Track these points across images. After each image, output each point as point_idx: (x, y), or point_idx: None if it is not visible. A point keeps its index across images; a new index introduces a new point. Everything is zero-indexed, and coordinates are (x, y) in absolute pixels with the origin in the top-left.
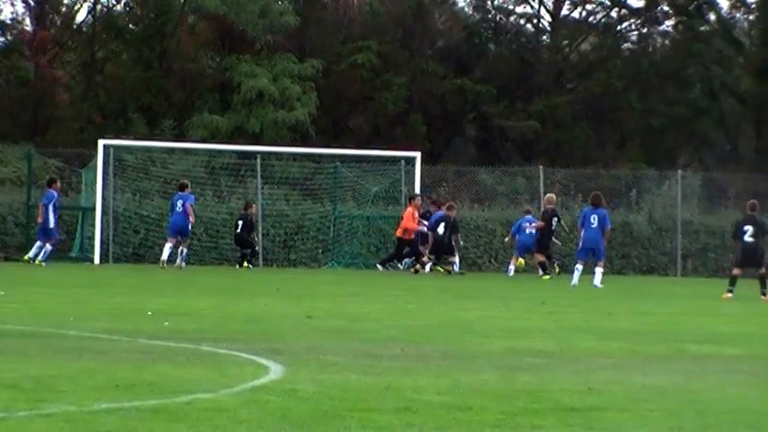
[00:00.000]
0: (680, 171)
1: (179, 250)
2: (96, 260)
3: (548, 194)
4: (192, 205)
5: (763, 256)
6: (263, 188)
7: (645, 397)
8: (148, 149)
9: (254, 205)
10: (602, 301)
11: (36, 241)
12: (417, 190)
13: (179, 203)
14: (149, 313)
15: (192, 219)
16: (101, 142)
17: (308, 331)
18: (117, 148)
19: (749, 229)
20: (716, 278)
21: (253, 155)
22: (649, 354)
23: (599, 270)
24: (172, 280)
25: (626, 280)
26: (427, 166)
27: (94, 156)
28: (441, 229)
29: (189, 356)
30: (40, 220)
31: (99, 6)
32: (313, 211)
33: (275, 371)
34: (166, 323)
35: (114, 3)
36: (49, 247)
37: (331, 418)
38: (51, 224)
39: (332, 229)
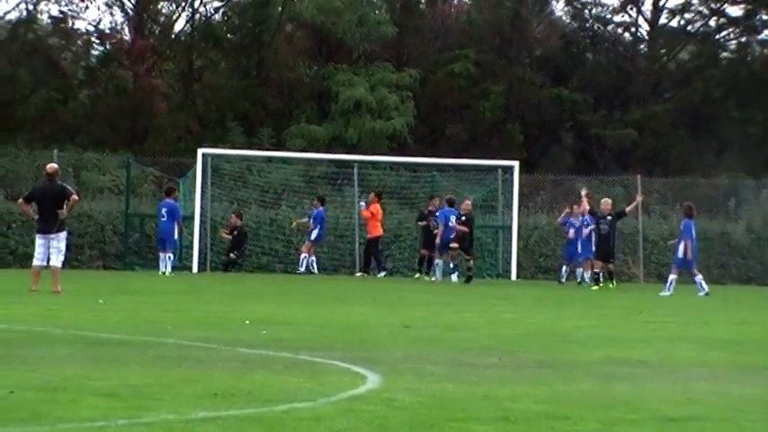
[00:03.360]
0: None
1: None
2: (194, 269)
3: (605, 199)
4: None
5: None
6: (360, 197)
7: (744, 407)
8: (246, 158)
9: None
10: (700, 311)
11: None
12: (515, 198)
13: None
14: (247, 322)
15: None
16: (200, 151)
17: (405, 340)
18: (215, 156)
19: None
20: None
21: (350, 164)
22: (748, 364)
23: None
24: (268, 288)
25: (724, 290)
26: (524, 175)
27: (192, 164)
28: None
29: (286, 365)
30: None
31: (197, 16)
32: (410, 220)
33: (372, 380)
34: (264, 332)
35: (212, 12)
36: (171, 256)
37: (428, 428)
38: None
39: None
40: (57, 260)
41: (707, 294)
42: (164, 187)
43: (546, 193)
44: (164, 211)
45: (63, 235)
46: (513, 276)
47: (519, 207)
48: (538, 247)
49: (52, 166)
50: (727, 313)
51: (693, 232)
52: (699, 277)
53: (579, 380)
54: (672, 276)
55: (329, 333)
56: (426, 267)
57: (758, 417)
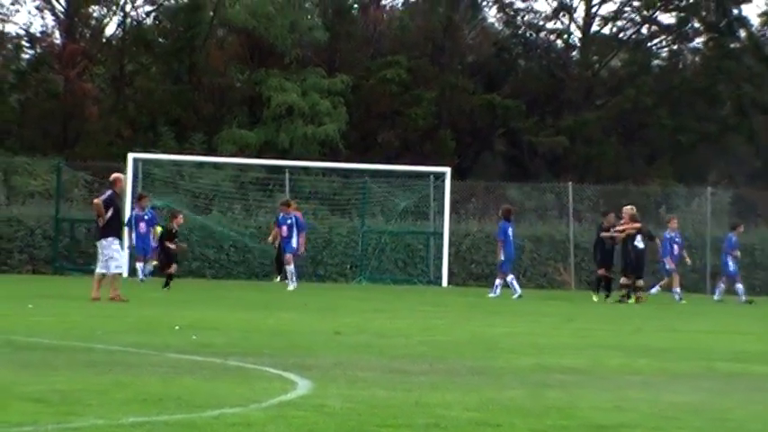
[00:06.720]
0: (709, 188)
1: None
2: (125, 274)
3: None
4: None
5: None
6: None
7: (674, 415)
8: (177, 163)
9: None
10: (631, 318)
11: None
12: (447, 205)
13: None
14: (177, 327)
15: None
16: (130, 156)
17: (337, 347)
18: (146, 161)
19: None
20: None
21: (281, 169)
22: (678, 371)
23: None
24: (199, 294)
25: (654, 297)
26: (456, 182)
27: (124, 169)
28: (639, 243)
29: (216, 371)
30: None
31: (128, 20)
32: (341, 225)
33: (303, 386)
34: (194, 337)
35: (144, 16)
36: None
37: None
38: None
39: (360, 244)
40: (106, 267)
41: (519, 297)
42: (136, 196)
43: (478, 200)
44: (147, 218)
45: (105, 242)
46: (445, 283)
47: (450, 213)
48: (469, 254)
49: (115, 175)
50: (657, 321)
51: (510, 234)
52: (510, 277)
53: (510, 387)
54: (497, 281)
55: (260, 339)
56: (605, 288)
57: (687, 424)
